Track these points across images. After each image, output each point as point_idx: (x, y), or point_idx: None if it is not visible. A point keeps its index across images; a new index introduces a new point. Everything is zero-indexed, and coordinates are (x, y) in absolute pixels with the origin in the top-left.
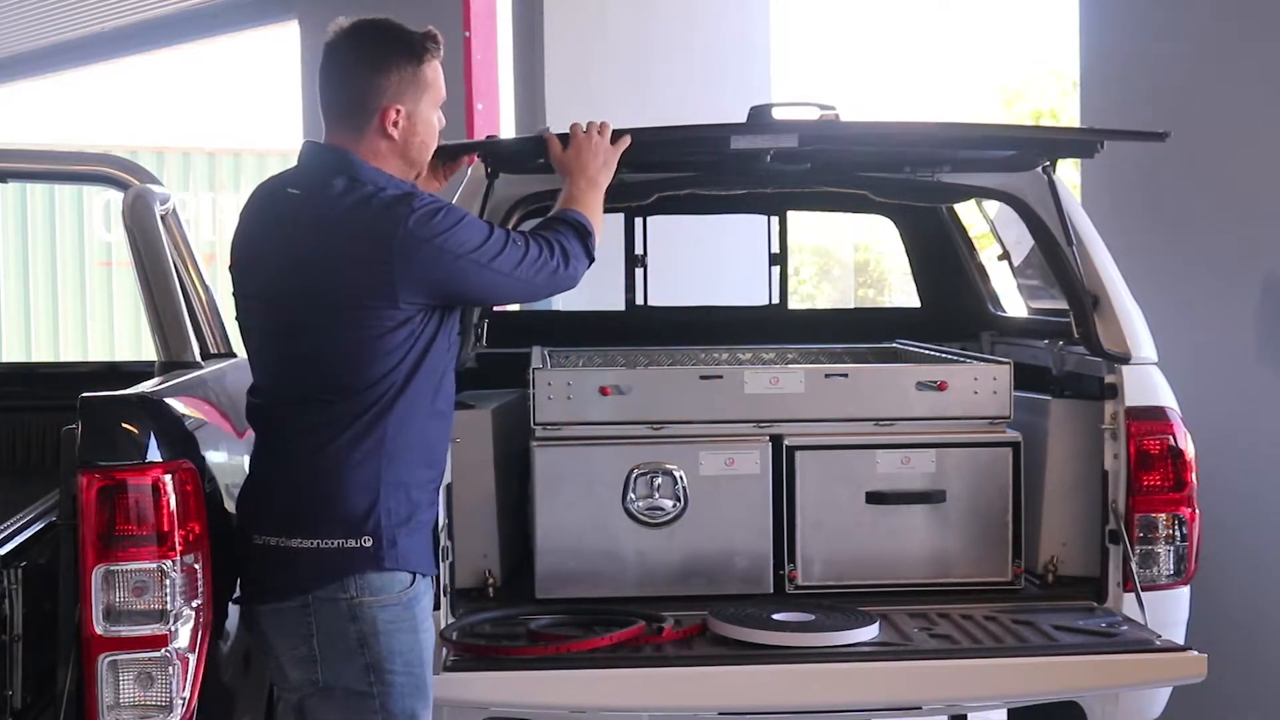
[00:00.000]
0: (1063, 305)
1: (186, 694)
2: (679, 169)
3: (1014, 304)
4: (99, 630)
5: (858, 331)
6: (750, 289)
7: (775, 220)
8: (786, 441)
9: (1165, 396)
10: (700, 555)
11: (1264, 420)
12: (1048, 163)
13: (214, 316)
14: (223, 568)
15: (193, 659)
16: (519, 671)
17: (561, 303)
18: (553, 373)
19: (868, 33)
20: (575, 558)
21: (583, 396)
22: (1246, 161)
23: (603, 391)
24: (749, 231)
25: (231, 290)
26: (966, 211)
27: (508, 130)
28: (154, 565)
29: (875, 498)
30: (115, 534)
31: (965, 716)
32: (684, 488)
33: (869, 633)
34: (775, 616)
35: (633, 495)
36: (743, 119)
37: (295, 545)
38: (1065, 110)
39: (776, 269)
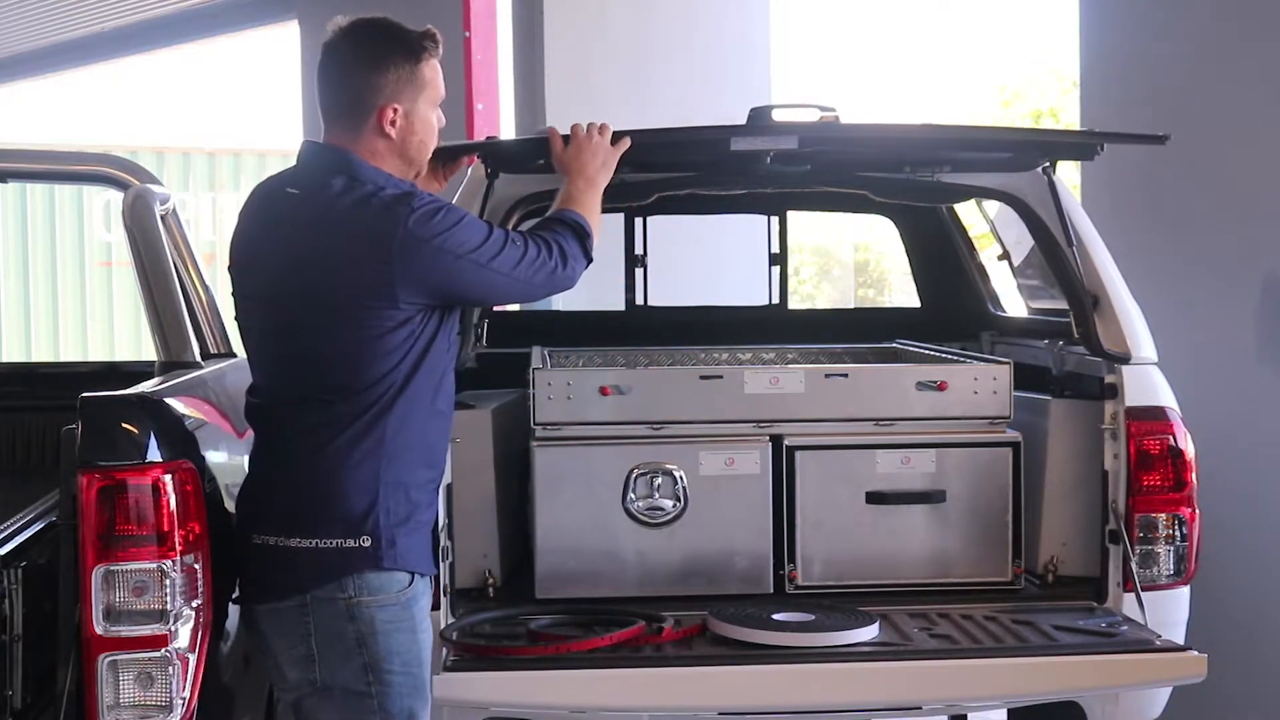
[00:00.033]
0: (1063, 305)
1: (186, 694)
2: (679, 169)
3: (1014, 304)
4: (99, 630)
5: (858, 331)
6: (750, 289)
7: (775, 220)
8: (786, 441)
9: (1165, 396)
10: (700, 555)
11: (1264, 420)
12: (1048, 163)
13: (214, 316)
14: (223, 568)
15: (193, 659)
16: (519, 671)
17: (561, 303)
18: (553, 373)
19: (868, 33)
20: (575, 558)
21: (583, 396)
22: (1246, 161)
23: (603, 391)
24: (749, 231)
25: (230, 290)
26: (966, 211)
27: (508, 130)
28: (154, 565)
29: (875, 498)
30: (115, 534)
31: (965, 716)
32: (684, 488)
33: (869, 633)
34: (775, 616)
35: (633, 495)
36: (743, 119)
37: (294, 545)
38: (1065, 110)
39: (776, 269)
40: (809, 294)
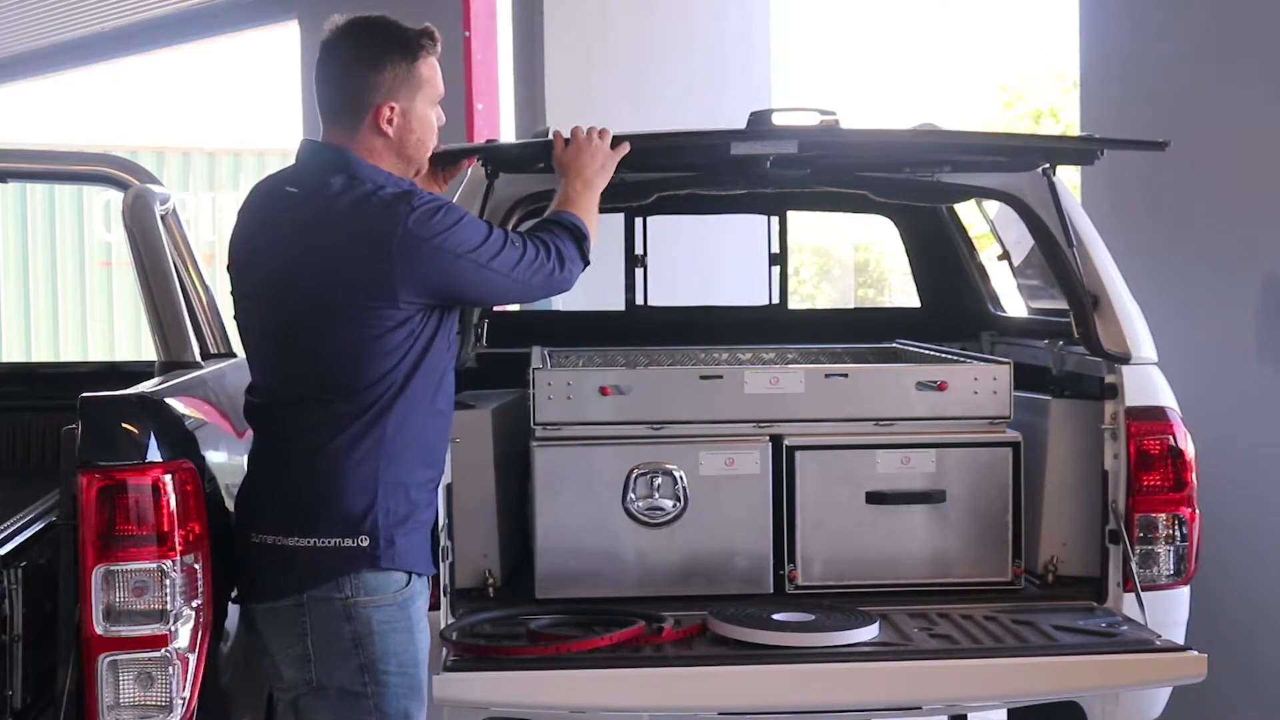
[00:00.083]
0: (1063, 305)
1: (186, 694)
2: (679, 170)
3: (1014, 304)
4: (99, 630)
5: (858, 331)
6: (750, 289)
7: (775, 220)
8: (786, 441)
9: (1165, 396)
10: (700, 555)
11: (1264, 420)
12: (1048, 163)
13: (214, 316)
14: (223, 568)
15: (193, 659)
16: (519, 671)
17: (561, 303)
18: (553, 373)
19: (868, 33)
20: (575, 558)
21: (583, 396)
22: (1246, 161)
23: (603, 391)
24: (749, 231)
25: (230, 289)
26: (966, 211)
27: (507, 130)
28: (154, 565)
29: (875, 498)
30: (115, 534)
31: (965, 716)
32: (684, 488)
33: (869, 633)
34: (775, 616)
35: (633, 495)
36: (743, 119)
37: (292, 544)
38: (1065, 110)
39: (776, 269)
40: (809, 294)
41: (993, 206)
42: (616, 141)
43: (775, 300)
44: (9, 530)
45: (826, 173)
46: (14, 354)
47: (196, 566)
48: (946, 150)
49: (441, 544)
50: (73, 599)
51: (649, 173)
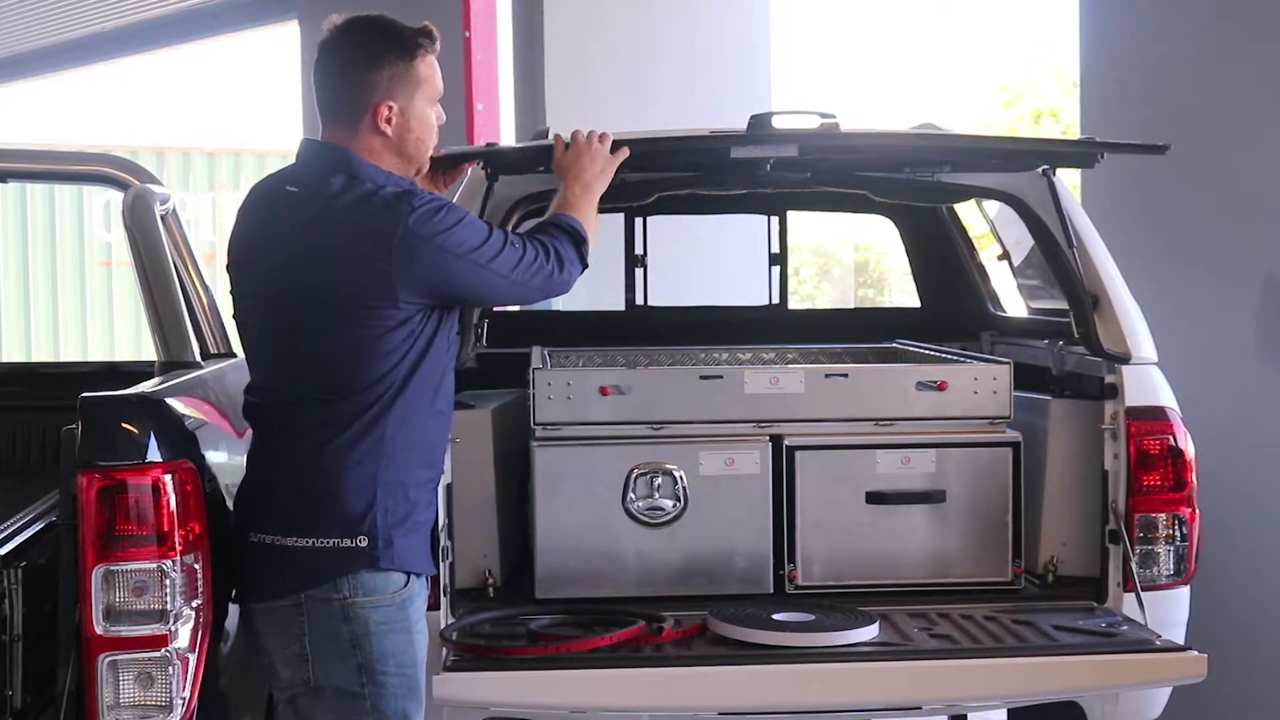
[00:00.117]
0: (1063, 305)
1: (186, 694)
2: (679, 171)
3: (1014, 304)
4: (99, 630)
5: (858, 331)
6: (750, 289)
7: (775, 220)
8: (786, 441)
9: (1165, 396)
10: (700, 555)
11: (1264, 420)
12: (1048, 166)
13: (214, 316)
14: (223, 568)
15: (193, 659)
16: (519, 671)
17: (561, 303)
18: (553, 373)
19: (868, 32)
20: (575, 558)
21: (583, 396)
22: (1246, 161)
23: (603, 391)
24: (749, 231)
25: (229, 288)
26: (966, 211)
27: (508, 130)
28: (154, 565)
29: (875, 498)
30: (115, 534)
31: (965, 716)
32: (684, 488)
33: (869, 633)
34: (775, 616)
35: (633, 495)
36: (743, 119)
37: (291, 544)
38: (1065, 110)
39: (776, 269)
40: (809, 294)
41: (993, 206)
42: (616, 146)
43: (775, 300)
44: (9, 530)
45: (827, 173)
46: (14, 354)
47: (196, 566)
48: (946, 154)
49: (441, 544)
50: (73, 599)
51: (649, 172)
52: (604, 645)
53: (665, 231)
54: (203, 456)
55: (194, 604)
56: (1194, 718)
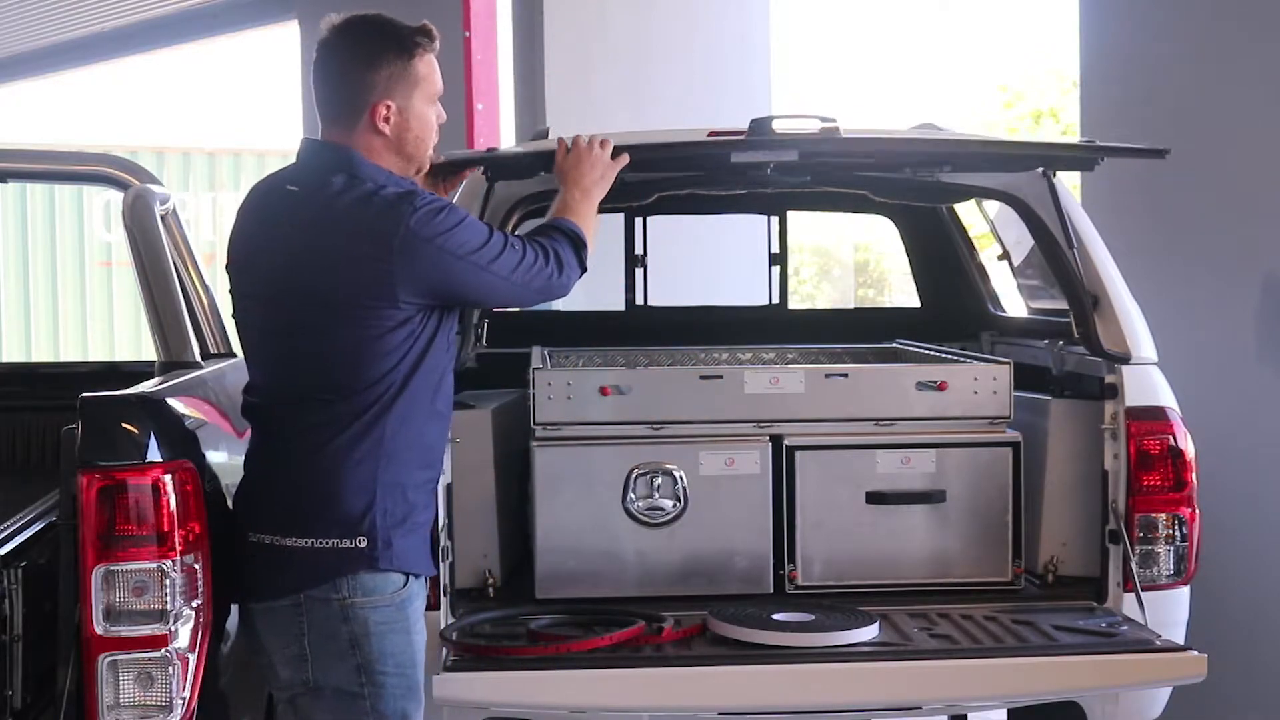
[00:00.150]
0: (1063, 305)
1: (186, 694)
2: (679, 171)
3: (1014, 304)
4: (99, 630)
5: (858, 331)
6: (750, 289)
7: (775, 220)
8: (786, 441)
9: (1165, 396)
10: (700, 555)
11: (1264, 420)
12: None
13: (214, 316)
14: (223, 568)
15: (193, 659)
16: (519, 671)
17: (561, 303)
18: (553, 373)
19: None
20: (575, 558)
21: (583, 396)
22: (1246, 161)
23: (603, 391)
24: (749, 231)
25: (229, 288)
26: (966, 211)
27: (508, 130)
28: (154, 565)
29: (875, 498)
30: (115, 534)
31: (965, 716)
32: (684, 488)
33: (869, 633)
34: (775, 616)
35: (633, 495)
36: (743, 119)
37: (290, 544)
38: (1065, 110)
39: (776, 269)
40: (809, 294)
41: (993, 206)
42: (617, 152)
43: (775, 300)
44: (9, 530)
45: (827, 174)
46: (14, 354)
47: (196, 566)
48: (946, 158)
49: (441, 544)
50: (73, 599)
51: (649, 172)
52: (604, 645)
53: (665, 231)
54: (203, 456)
55: (194, 604)
56: (1194, 718)
